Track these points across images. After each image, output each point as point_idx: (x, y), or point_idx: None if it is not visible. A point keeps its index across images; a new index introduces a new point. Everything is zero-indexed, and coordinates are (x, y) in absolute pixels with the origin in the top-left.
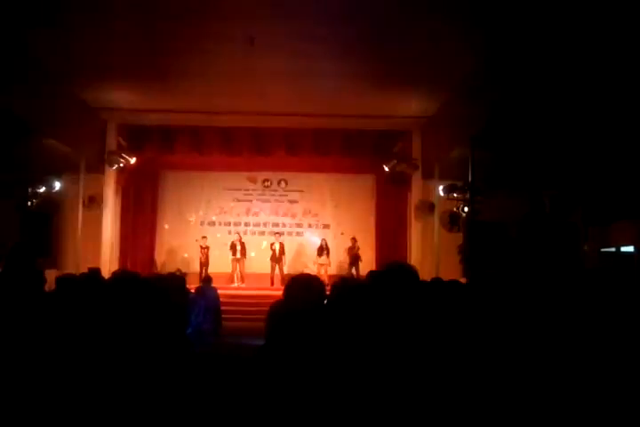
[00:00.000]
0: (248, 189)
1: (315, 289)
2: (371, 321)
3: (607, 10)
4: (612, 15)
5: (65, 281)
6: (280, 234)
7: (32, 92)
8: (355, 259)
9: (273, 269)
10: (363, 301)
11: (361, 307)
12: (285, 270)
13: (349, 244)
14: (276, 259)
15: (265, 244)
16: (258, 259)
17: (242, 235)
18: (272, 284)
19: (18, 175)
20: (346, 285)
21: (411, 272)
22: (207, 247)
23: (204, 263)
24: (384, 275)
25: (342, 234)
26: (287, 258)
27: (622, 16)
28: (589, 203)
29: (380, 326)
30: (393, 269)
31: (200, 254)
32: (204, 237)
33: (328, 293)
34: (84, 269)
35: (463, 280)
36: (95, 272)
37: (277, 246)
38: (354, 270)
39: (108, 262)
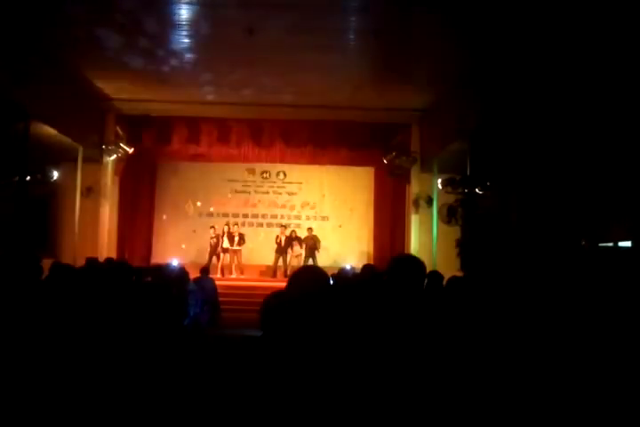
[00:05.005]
0: (246, 181)
1: (319, 281)
2: (371, 313)
3: (602, 5)
4: (607, 11)
5: (59, 269)
6: (286, 227)
7: (32, 81)
8: (311, 250)
9: (276, 261)
10: (361, 293)
11: (360, 299)
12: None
13: (305, 233)
14: (282, 251)
15: (263, 235)
16: (256, 250)
17: (240, 226)
18: (274, 275)
19: (15, 164)
20: (344, 277)
21: (419, 266)
22: (217, 236)
23: (213, 254)
24: (396, 267)
25: (340, 226)
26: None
27: (618, 12)
28: (588, 198)
29: (381, 319)
30: (403, 262)
31: (210, 244)
32: (212, 227)
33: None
34: (81, 259)
35: (460, 273)
36: (93, 262)
37: (283, 239)
38: (311, 261)
39: (106, 252)
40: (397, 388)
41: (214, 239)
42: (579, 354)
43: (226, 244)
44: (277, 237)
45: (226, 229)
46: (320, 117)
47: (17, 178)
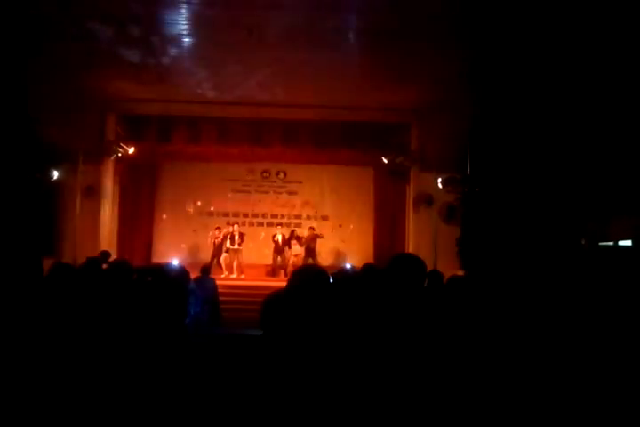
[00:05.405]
0: (247, 180)
1: (319, 280)
2: (371, 312)
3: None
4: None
5: (60, 268)
6: (282, 225)
7: (32, 81)
8: (310, 250)
9: (275, 260)
10: (361, 292)
11: (360, 298)
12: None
13: (307, 233)
14: (279, 250)
15: (263, 235)
16: (257, 250)
17: (240, 225)
18: (274, 275)
19: (15, 164)
20: (344, 276)
21: (419, 265)
22: (219, 237)
23: (217, 254)
24: (396, 266)
25: (340, 226)
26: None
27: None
28: (588, 197)
29: (381, 318)
30: (403, 262)
31: (213, 245)
32: (218, 228)
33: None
34: (81, 259)
35: (460, 273)
36: (94, 261)
37: (280, 238)
38: (311, 261)
39: None
40: (397, 387)
41: (219, 239)
42: (579, 353)
43: (228, 244)
44: (274, 236)
45: (231, 229)
46: (320, 117)
47: (17, 178)
